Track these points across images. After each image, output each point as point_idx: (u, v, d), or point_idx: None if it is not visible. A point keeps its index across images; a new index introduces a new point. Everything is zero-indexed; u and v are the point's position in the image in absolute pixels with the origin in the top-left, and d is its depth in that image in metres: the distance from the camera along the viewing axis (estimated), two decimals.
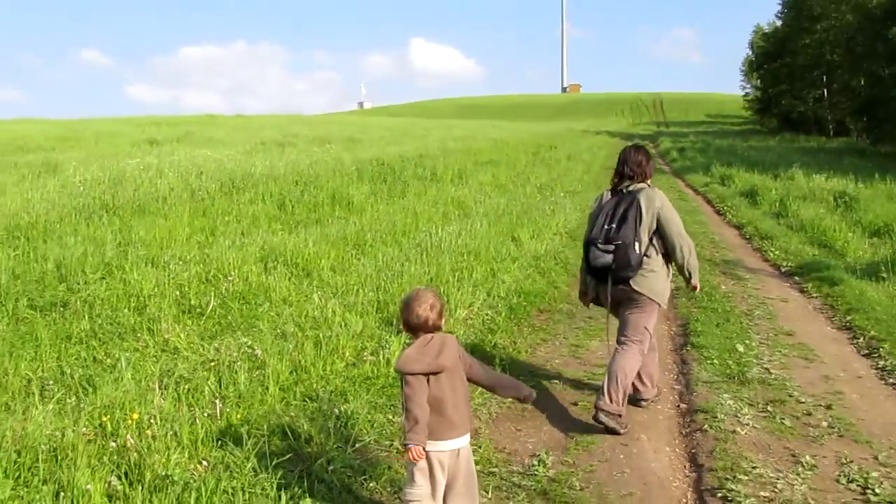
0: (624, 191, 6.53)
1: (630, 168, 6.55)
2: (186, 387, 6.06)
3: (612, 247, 6.27)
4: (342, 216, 14.74)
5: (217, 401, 5.72)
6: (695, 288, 6.71)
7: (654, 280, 6.38)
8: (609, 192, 6.69)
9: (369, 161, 22.97)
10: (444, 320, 4.24)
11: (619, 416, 6.15)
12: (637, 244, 6.25)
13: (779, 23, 75.12)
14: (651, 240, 6.35)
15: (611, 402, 6.13)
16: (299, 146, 30.37)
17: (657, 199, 6.38)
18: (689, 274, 6.48)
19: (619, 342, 6.52)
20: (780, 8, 72.91)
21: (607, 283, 6.40)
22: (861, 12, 52.55)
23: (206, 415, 5.49)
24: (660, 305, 6.50)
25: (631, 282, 6.32)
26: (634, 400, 6.72)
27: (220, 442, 5.24)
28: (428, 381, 4.06)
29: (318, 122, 61.31)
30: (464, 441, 4.14)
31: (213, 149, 26.00)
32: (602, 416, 6.09)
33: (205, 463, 4.89)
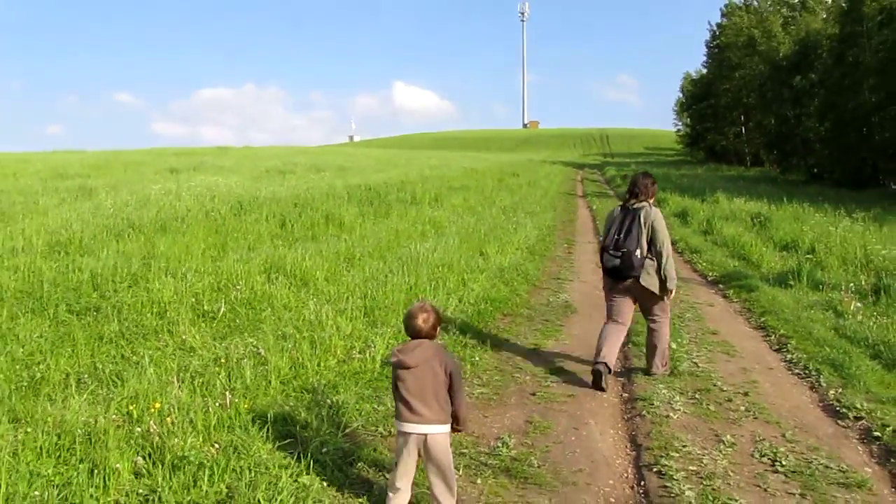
0: (630, 207, 7.22)
1: (638, 188, 7.28)
2: (200, 380, 6.05)
3: (619, 253, 7.05)
4: (335, 234, 14.70)
5: (227, 392, 5.71)
6: (669, 292, 7.25)
7: (655, 276, 7.10)
8: (619, 208, 7.39)
9: (358, 186, 22.92)
10: (437, 331, 4.47)
11: (668, 372, 7.38)
12: (639, 251, 7.00)
13: (704, 71, 76.31)
14: (650, 246, 7.05)
15: (662, 366, 7.39)
16: (298, 173, 30.28)
17: (652, 214, 7.11)
18: (665, 277, 7.10)
19: (650, 322, 7.41)
20: (705, 58, 74.18)
21: (615, 279, 7.24)
22: (770, 63, 53.26)
23: (217, 404, 5.47)
24: (661, 297, 7.25)
25: (640, 279, 7.06)
26: (599, 376, 6.99)
27: (229, 427, 5.23)
28: (398, 373, 4.32)
29: (315, 152, 60.95)
30: (429, 429, 4.25)
31: (225, 176, 25.90)
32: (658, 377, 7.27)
33: (217, 445, 4.88)
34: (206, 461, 4.60)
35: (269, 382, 6.22)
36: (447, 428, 4.33)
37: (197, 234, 12.69)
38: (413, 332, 4.42)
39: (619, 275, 7.14)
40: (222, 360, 6.59)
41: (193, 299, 8.71)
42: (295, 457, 4.90)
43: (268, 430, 5.21)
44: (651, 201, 7.29)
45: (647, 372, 7.44)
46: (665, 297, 7.26)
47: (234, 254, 11.55)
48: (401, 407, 4.31)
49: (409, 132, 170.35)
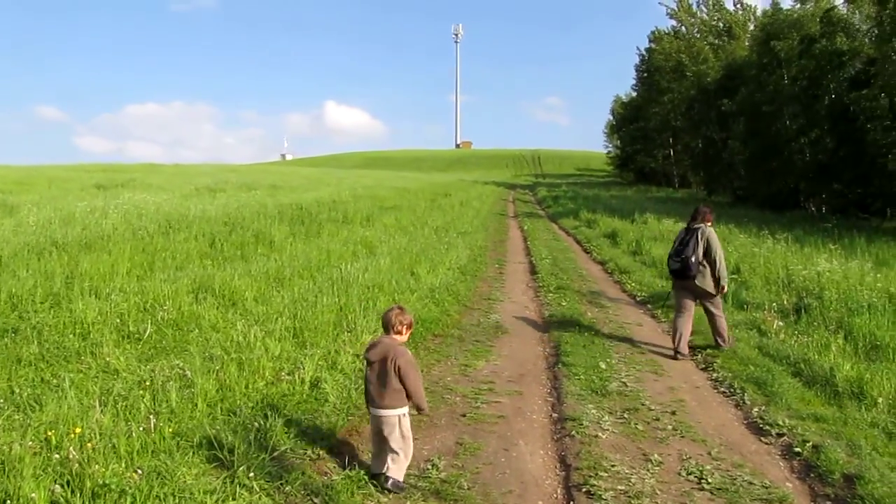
0: (691, 227, 9.58)
1: (699, 214, 9.64)
2: (124, 404, 5.87)
3: (679, 259, 9.44)
4: (265, 253, 14.51)
5: (151, 416, 5.55)
6: (723, 289, 9.51)
7: (708, 279, 9.38)
8: (684, 229, 9.74)
9: (289, 205, 22.75)
10: (399, 330, 5.35)
11: (732, 344, 9.47)
12: (694, 257, 9.30)
13: (634, 94, 77.68)
14: (704, 256, 9.31)
15: (724, 342, 9.45)
16: (229, 192, 29.91)
17: (707, 233, 9.43)
18: (720, 278, 9.37)
19: (709, 311, 9.54)
20: (634, 82, 75.63)
21: (678, 279, 9.62)
22: (699, 87, 54.46)
23: (141, 429, 5.32)
24: (713, 294, 9.44)
25: (695, 280, 9.35)
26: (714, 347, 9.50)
27: (153, 452, 5.09)
28: (365, 366, 5.35)
29: (246, 170, 60.41)
30: (381, 412, 5.21)
31: (154, 194, 25.39)
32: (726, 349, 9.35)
33: (139, 471, 4.73)
34: (128, 488, 4.46)
35: (196, 405, 6.08)
36: (398, 411, 5.21)
37: (123, 253, 12.36)
38: (385, 325, 5.41)
39: (681, 275, 9.46)
40: (147, 383, 6.42)
41: (118, 320, 8.47)
42: (220, 481, 4.79)
43: (193, 454, 5.10)
44: (707, 224, 9.58)
45: (715, 347, 9.46)
46: (718, 295, 9.46)
47: (161, 273, 11.30)
48: (366, 394, 5.36)
49: (341, 151, 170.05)
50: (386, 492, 5.17)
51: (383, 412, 5.20)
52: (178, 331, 8.49)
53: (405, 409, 5.25)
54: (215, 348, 7.68)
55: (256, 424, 5.78)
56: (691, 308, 9.54)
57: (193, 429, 5.60)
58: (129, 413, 5.71)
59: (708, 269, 9.32)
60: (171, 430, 5.46)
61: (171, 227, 15.99)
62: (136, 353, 7.59)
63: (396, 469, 5.26)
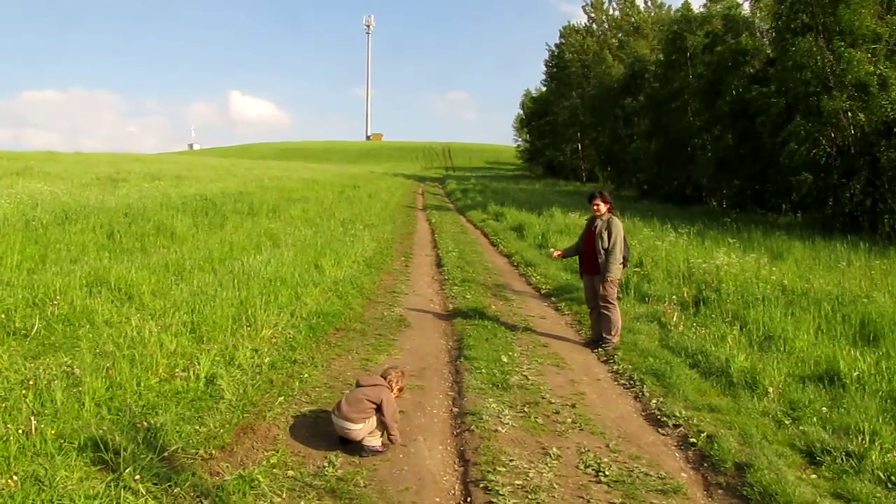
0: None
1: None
2: (3, 405, 5.55)
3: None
4: (166, 245, 14.14)
5: (32, 417, 5.28)
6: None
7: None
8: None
9: (194, 196, 22.26)
10: (392, 386, 6.20)
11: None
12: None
13: (543, 88, 78.56)
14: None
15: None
16: (132, 182, 29.00)
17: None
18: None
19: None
20: (544, 77, 76.43)
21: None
22: (604, 84, 55.45)
23: (20, 431, 5.05)
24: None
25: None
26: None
27: (33, 456, 4.84)
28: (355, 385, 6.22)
29: (151, 160, 58.60)
30: (344, 423, 5.79)
31: (52, 183, 24.44)
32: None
33: (15, 477, 4.48)
34: (1, 495, 4.22)
35: (83, 405, 5.81)
36: (358, 426, 5.77)
37: (13, 245, 11.81)
38: (382, 377, 6.23)
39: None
40: (31, 382, 6.11)
41: (3, 315, 8.05)
42: (105, 485, 4.59)
43: (77, 456, 4.87)
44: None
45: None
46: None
47: (54, 266, 10.87)
48: (337, 404, 5.98)
49: (251, 141, 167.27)
50: (364, 454, 5.82)
51: (345, 423, 5.78)
52: (68, 326, 8.12)
53: (363, 426, 5.83)
54: (107, 344, 7.36)
55: (146, 424, 5.56)
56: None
57: (79, 430, 5.34)
58: (9, 415, 5.41)
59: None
60: (53, 431, 5.19)
61: (68, 218, 15.43)
62: (22, 351, 7.20)
63: (373, 440, 5.89)
